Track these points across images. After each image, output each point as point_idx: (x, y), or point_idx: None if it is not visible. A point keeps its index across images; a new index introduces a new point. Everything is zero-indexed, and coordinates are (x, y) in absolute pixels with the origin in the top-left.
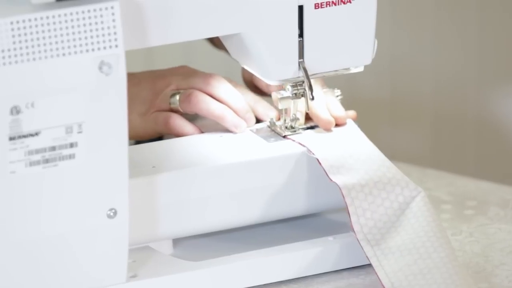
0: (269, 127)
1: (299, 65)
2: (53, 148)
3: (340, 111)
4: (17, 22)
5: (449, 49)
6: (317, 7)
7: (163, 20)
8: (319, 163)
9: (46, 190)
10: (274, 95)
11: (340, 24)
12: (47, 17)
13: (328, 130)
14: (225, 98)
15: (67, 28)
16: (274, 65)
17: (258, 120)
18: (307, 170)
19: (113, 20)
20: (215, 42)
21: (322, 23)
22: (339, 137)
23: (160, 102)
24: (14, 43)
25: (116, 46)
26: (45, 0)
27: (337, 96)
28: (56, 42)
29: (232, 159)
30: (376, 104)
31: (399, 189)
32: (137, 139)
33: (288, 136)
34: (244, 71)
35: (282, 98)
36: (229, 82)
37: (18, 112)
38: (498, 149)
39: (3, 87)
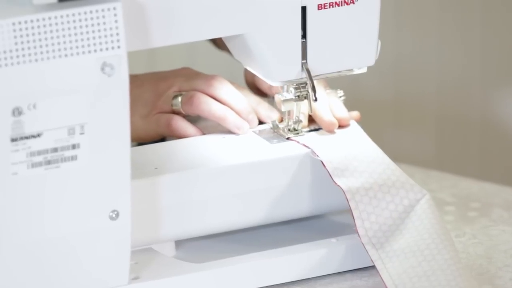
0: (272, 129)
1: (302, 66)
2: (55, 150)
3: (343, 112)
4: (19, 23)
5: (452, 50)
6: (320, 8)
7: (166, 21)
8: (324, 165)
9: (48, 191)
10: (277, 97)
11: (343, 25)
12: (49, 18)
13: (331, 132)
14: (228, 100)
15: (69, 29)
16: (277, 66)
17: (260, 122)
18: (310, 172)
19: (116, 21)
20: (218, 43)
21: (325, 24)
22: (343, 139)
23: (162, 104)
24: (16, 44)
25: (119, 47)
26: (47, 1)
27: (340, 97)
28: (58, 43)
29: (235, 160)
30: (379, 106)
31: (404, 192)
32: (139, 141)
33: (292, 138)
34: (246, 72)
35: (285, 100)
36: (232, 84)
37: (20, 113)
38: (502, 151)
39: (5, 88)
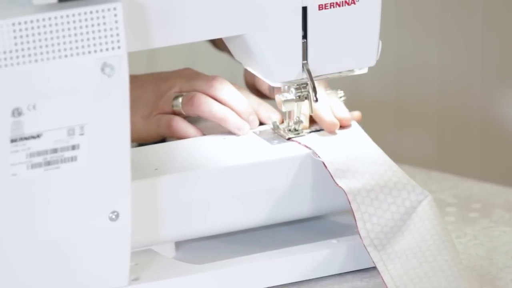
0: (272, 129)
1: (302, 66)
2: (55, 151)
3: (344, 112)
4: (19, 23)
5: (453, 50)
6: (321, 8)
7: (166, 21)
8: (325, 166)
9: (47, 192)
10: (278, 97)
11: (344, 26)
12: (49, 18)
13: (332, 132)
14: (228, 101)
15: (69, 29)
16: (277, 67)
17: (261, 123)
18: (311, 173)
19: (116, 21)
20: (217, 44)
21: (326, 24)
22: (344, 140)
23: (163, 105)
24: (16, 44)
25: (119, 47)
26: (47, 1)
27: (341, 97)
28: (58, 44)
29: (235, 161)
30: (380, 106)
31: (406, 193)
32: (139, 142)
33: (293, 139)
34: (246, 74)
35: (286, 101)
36: (233, 85)
37: (19, 114)
38: (503, 152)
39: (4, 89)
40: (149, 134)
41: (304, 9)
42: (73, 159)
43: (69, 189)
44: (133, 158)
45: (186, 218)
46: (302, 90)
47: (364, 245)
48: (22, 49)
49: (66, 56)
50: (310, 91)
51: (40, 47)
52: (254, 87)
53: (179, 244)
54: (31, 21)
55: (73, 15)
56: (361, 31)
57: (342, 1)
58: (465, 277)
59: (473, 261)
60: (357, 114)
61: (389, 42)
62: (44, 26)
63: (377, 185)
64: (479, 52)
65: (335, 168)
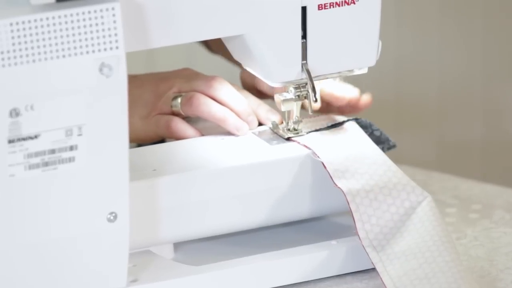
0: (271, 129)
1: (302, 66)
2: (52, 151)
3: (353, 91)
4: (17, 23)
5: (454, 51)
6: (320, 8)
7: (165, 21)
8: (324, 166)
9: (45, 193)
10: (277, 97)
11: (344, 25)
12: (47, 18)
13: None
14: (228, 101)
15: (67, 29)
16: (277, 67)
17: (260, 124)
18: (311, 173)
19: (114, 21)
20: (211, 46)
21: (325, 24)
22: (344, 140)
23: (162, 105)
24: (13, 44)
25: (117, 47)
26: (45, 1)
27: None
28: (56, 44)
29: (234, 162)
30: (380, 107)
31: (405, 194)
32: (138, 142)
33: (293, 138)
34: (243, 75)
35: (285, 100)
36: (232, 85)
37: (17, 114)
38: (504, 152)
39: (2, 89)
40: (148, 135)
41: (304, 9)
42: (71, 160)
43: (67, 190)
44: (132, 158)
45: (184, 219)
46: (302, 89)
47: (363, 246)
48: (20, 49)
49: (64, 56)
50: (310, 91)
51: (38, 47)
52: (253, 87)
53: (177, 245)
54: (29, 21)
55: (71, 15)
56: (361, 31)
57: (342, 1)
58: (466, 279)
59: (473, 262)
60: (367, 97)
61: (389, 42)
62: (42, 26)
63: (377, 186)
64: (479, 52)
65: (334, 168)
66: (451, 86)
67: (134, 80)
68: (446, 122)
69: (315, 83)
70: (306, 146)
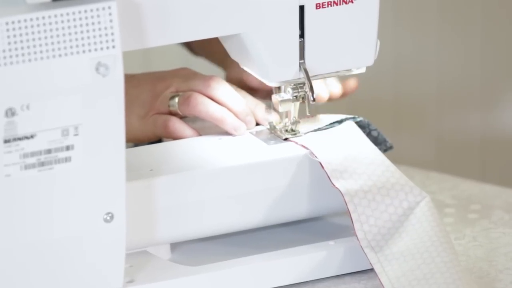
0: (269, 130)
1: (299, 66)
2: (48, 151)
3: (334, 87)
4: (13, 22)
5: (452, 50)
6: (318, 7)
7: (162, 20)
8: (322, 167)
9: (41, 193)
10: (275, 97)
11: (342, 25)
12: (43, 18)
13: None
14: (225, 101)
15: (63, 28)
16: (274, 66)
17: (257, 124)
18: (309, 173)
19: (110, 21)
20: (193, 48)
21: (323, 23)
22: (342, 140)
23: (159, 105)
24: (9, 43)
25: (113, 47)
26: (41, 0)
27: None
28: (52, 43)
29: (232, 162)
30: (379, 107)
31: (403, 194)
32: (135, 142)
33: (290, 139)
34: (228, 77)
35: (283, 101)
36: (230, 85)
37: (13, 114)
38: (502, 152)
39: None
40: (145, 135)
41: (301, 8)
42: (67, 159)
43: (63, 190)
44: (128, 158)
45: (181, 220)
46: (299, 90)
47: (361, 247)
48: (16, 49)
49: (60, 55)
50: (308, 90)
51: (34, 46)
52: (243, 83)
53: (174, 246)
54: (25, 20)
55: (67, 14)
56: (359, 30)
57: (340, 0)
58: (464, 279)
59: (472, 263)
60: (353, 82)
61: (387, 42)
62: (38, 25)
63: (375, 186)
64: (478, 52)
65: (332, 168)
66: (450, 85)
67: (131, 80)
68: (444, 122)
69: (313, 82)
70: (304, 146)
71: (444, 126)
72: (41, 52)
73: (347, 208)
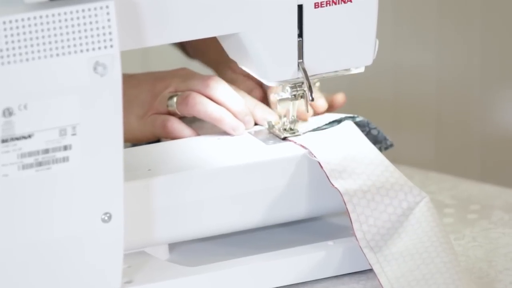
0: (268, 129)
1: (298, 65)
2: (46, 151)
3: (320, 103)
4: (10, 21)
5: (452, 50)
6: (317, 6)
7: (160, 19)
8: (321, 166)
9: (39, 193)
10: (273, 96)
11: (341, 24)
12: (41, 17)
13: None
14: (224, 101)
15: (61, 28)
16: (273, 66)
17: (256, 124)
18: (308, 173)
19: (108, 20)
20: (188, 51)
21: (322, 22)
22: (341, 140)
23: (158, 105)
24: (6, 43)
25: (111, 46)
26: None
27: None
28: (50, 42)
29: (230, 162)
30: (378, 106)
31: (403, 194)
32: (134, 142)
33: (289, 138)
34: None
35: (281, 100)
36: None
37: (10, 114)
38: (502, 152)
39: None
40: (144, 135)
41: (300, 7)
42: (65, 159)
43: (61, 190)
44: (126, 158)
45: (180, 220)
46: (298, 89)
47: (360, 247)
48: (13, 48)
49: (58, 55)
50: (306, 90)
51: (32, 46)
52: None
53: (173, 246)
54: (22, 20)
55: (65, 13)
56: (357, 30)
57: None
58: (464, 280)
59: (472, 263)
60: (341, 97)
61: (386, 41)
62: (36, 24)
63: (374, 186)
64: (478, 52)
65: (331, 168)
66: (449, 85)
67: (130, 80)
68: (444, 122)
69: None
70: (303, 146)
71: (444, 126)
72: (38, 51)
73: (346, 208)
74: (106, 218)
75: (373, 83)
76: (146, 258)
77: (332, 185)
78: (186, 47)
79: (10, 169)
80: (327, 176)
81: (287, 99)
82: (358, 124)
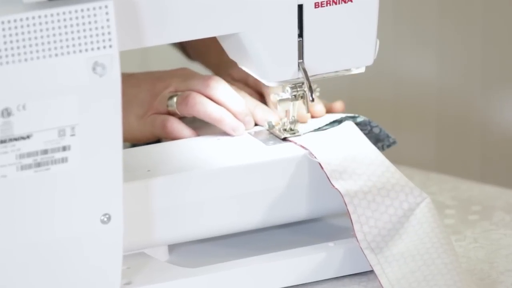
0: (268, 129)
1: (298, 66)
2: (45, 152)
3: (318, 108)
4: (8, 21)
5: (453, 51)
6: (317, 6)
7: (159, 19)
8: (321, 167)
9: (38, 194)
10: (273, 97)
11: (341, 24)
12: (39, 17)
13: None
14: (224, 101)
15: (59, 27)
16: (273, 66)
17: (256, 124)
18: (308, 174)
19: (107, 20)
20: (189, 53)
21: (322, 22)
22: (341, 140)
23: (158, 105)
24: (5, 43)
25: (110, 46)
26: None
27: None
28: (49, 42)
29: (230, 162)
30: (378, 107)
31: (404, 195)
32: (134, 142)
33: (289, 138)
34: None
35: (281, 100)
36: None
37: (9, 114)
38: (503, 153)
39: None
40: (143, 135)
41: (300, 7)
42: (64, 160)
43: (60, 191)
44: (125, 159)
45: (179, 221)
46: (298, 89)
47: (361, 248)
48: (12, 48)
49: (56, 55)
50: (306, 90)
51: (30, 46)
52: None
53: (172, 247)
54: (21, 19)
55: (64, 13)
56: (358, 30)
57: None
58: (465, 281)
59: (473, 264)
60: (339, 105)
61: (387, 41)
62: (34, 24)
63: (375, 187)
64: (479, 52)
65: (331, 169)
66: (450, 86)
67: (130, 79)
68: (445, 123)
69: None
70: (303, 147)
71: (444, 126)
72: (37, 51)
73: (347, 209)
74: (105, 219)
75: (373, 83)
76: (146, 259)
77: (333, 186)
78: (186, 49)
79: (8, 170)
80: (328, 177)
81: (287, 99)
82: (359, 124)
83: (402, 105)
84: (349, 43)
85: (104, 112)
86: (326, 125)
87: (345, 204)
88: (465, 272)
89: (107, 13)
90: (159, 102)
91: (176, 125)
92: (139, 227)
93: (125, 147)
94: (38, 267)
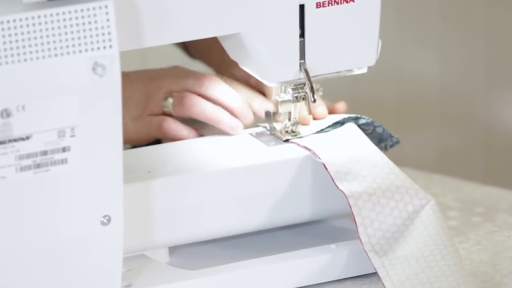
0: (269, 131)
1: (300, 66)
2: (44, 153)
3: (319, 109)
4: (8, 21)
5: (456, 51)
6: (318, 6)
7: (159, 19)
8: (325, 168)
9: (37, 196)
10: (275, 98)
11: (343, 24)
12: (39, 17)
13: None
14: (220, 98)
15: (59, 28)
16: (274, 66)
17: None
18: (311, 175)
19: (107, 20)
20: (190, 51)
21: (324, 22)
22: (345, 142)
23: (153, 106)
24: (4, 43)
25: (110, 46)
26: None
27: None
28: (48, 43)
29: (231, 163)
30: (381, 108)
31: (408, 198)
32: (130, 144)
33: (292, 140)
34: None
35: (283, 102)
36: (224, 81)
37: (8, 115)
38: (506, 154)
39: None
40: (139, 136)
41: (302, 7)
42: (64, 161)
43: (60, 192)
44: (126, 160)
45: (180, 223)
46: (299, 90)
47: (365, 251)
48: (11, 48)
49: (56, 55)
50: (308, 91)
51: (30, 46)
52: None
53: (173, 249)
54: (20, 20)
55: (63, 13)
56: (360, 30)
57: None
58: (468, 284)
59: (476, 267)
60: (342, 106)
61: (389, 41)
62: (34, 24)
63: (379, 189)
64: (482, 52)
65: (336, 170)
66: (453, 86)
67: (123, 78)
68: (448, 124)
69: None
70: (306, 148)
71: (447, 128)
72: (37, 51)
73: (352, 211)
74: (105, 221)
75: (376, 84)
76: (146, 261)
77: (337, 187)
78: (188, 48)
79: (7, 171)
80: (332, 178)
81: (288, 101)
82: (361, 123)
83: (404, 106)
84: (351, 43)
85: (104, 113)
86: (328, 126)
87: (350, 206)
88: (468, 275)
89: (107, 13)
90: (154, 103)
91: (173, 125)
92: (140, 228)
93: (125, 148)
94: (38, 269)
